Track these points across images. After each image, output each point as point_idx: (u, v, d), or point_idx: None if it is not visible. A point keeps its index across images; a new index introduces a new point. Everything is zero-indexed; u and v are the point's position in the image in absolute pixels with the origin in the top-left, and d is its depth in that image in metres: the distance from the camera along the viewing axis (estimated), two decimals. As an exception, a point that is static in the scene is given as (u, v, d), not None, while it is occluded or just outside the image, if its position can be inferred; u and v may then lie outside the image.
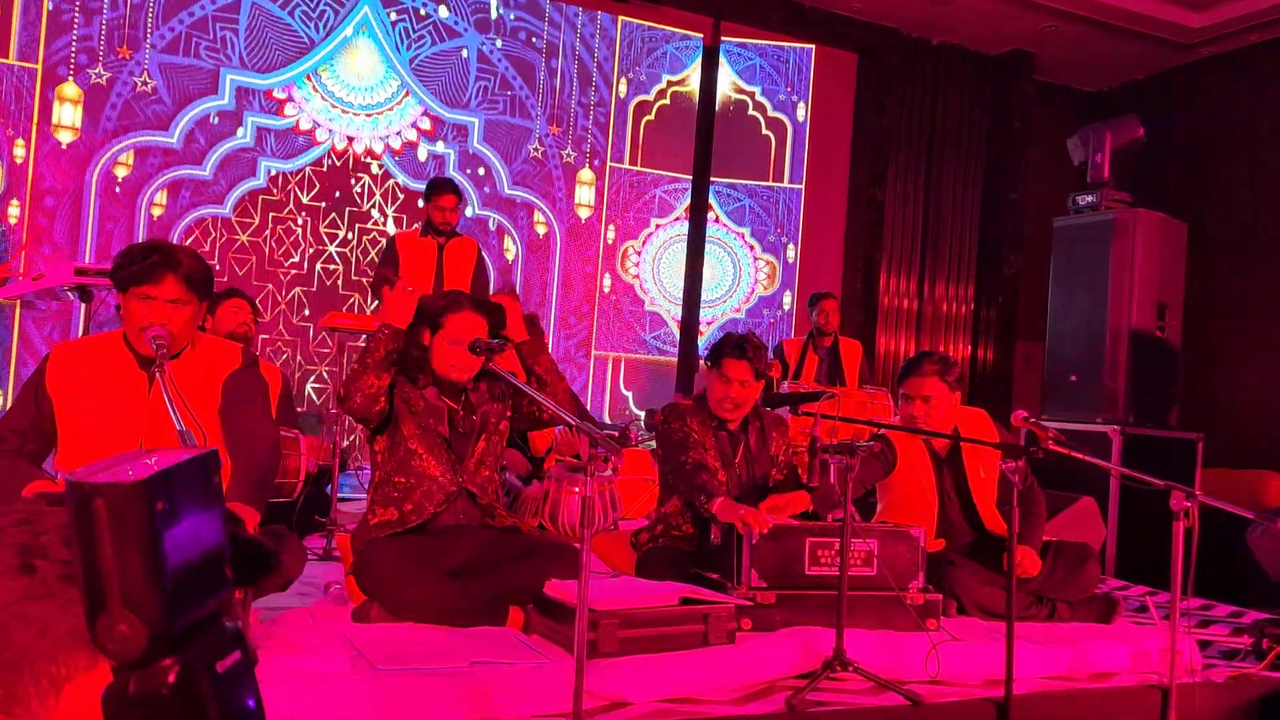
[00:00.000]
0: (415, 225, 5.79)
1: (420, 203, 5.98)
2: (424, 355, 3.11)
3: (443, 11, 6.48)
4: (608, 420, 6.97)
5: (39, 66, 5.85)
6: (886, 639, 2.92)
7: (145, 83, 6.09)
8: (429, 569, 2.90)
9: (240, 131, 6.32)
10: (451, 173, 6.80)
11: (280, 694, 2.16)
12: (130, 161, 6.07)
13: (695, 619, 2.74)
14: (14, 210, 5.79)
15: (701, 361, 3.63)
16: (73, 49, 5.93)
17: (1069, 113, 8.69)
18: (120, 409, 2.63)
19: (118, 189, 6.02)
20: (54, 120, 5.89)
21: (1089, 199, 6.06)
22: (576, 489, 4.26)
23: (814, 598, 3.00)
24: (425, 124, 6.81)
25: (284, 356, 6.35)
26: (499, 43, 7.01)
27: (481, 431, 3.13)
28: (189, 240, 6.15)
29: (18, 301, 5.72)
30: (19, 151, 5.81)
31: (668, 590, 2.81)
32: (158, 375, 2.28)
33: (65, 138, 5.92)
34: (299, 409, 5.00)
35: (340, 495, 4.72)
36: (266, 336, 6.32)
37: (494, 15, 6.98)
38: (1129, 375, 5.78)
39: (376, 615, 2.89)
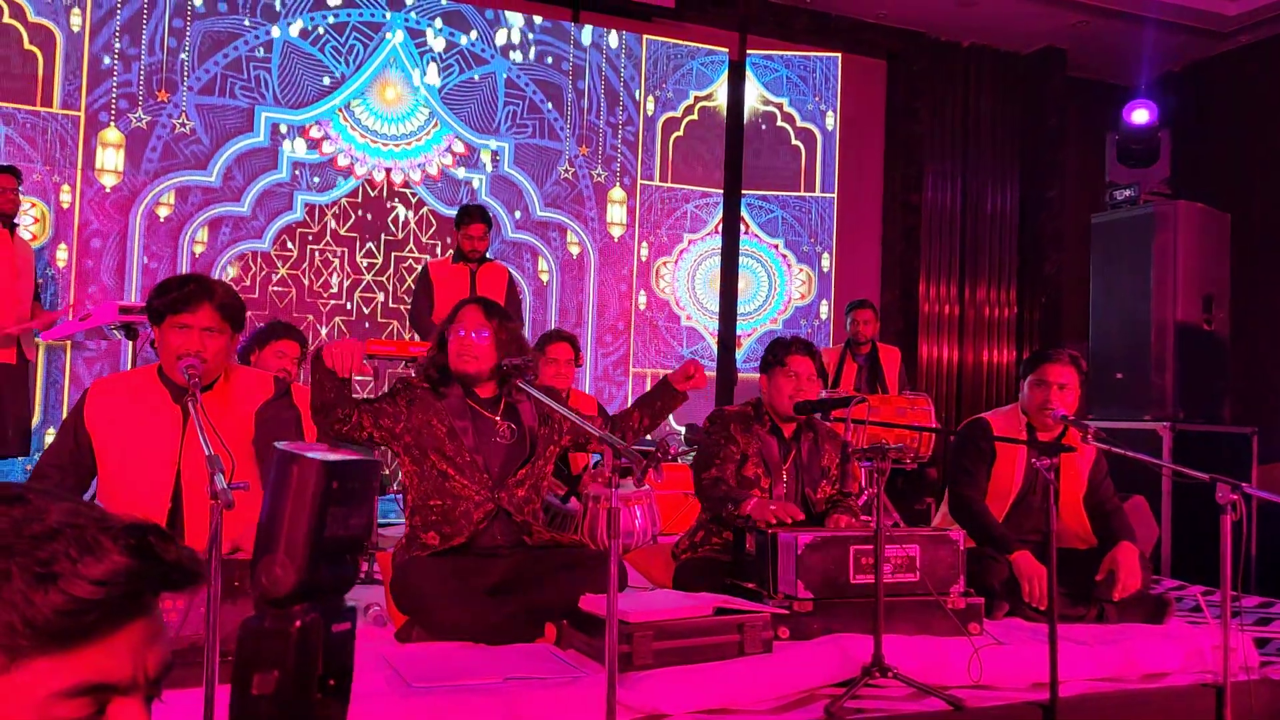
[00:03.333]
0: (448, 253, 5.86)
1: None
2: (444, 365, 3.13)
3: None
4: (647, 437, 6.96)
5: (81, 114, 6.03)
6: (928, 644, 2.87)
7: (183, 124, 6.25)
8: (465, 587, 2.92)
9: (276, 167, 6.46)
10: (483, 198, 6.87)
11: (316, 714, 2.19)
12: (171, 201, 6.22)
13: (730, 629, 2.71)
14: (62, 254, 5.96)
15: (759, 371, 3.63)
16: (113, 95, 6.10)
17: (1105, 108, 8.57)
18: (156, 441, 2.69)
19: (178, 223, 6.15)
20: (97, 165, 6.06)
21: (1127, 193, 5.96)
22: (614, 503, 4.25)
23: (853, 605, 2.97)
24: (456, 151, 6.89)
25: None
26: (525, 67, 7.08)
27: (529, 459, 3.13)
28: (230, 275, 6.28)
29: (68, 342, 5.87)
30: (65, 197, 5.98)
31: (702, 601, 2.80)
32: (190, 404, 2.33)
33: (109, 181, 6.09)
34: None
35: (381, 520, 4.76)
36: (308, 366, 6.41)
37: (511, 38, 7.06)
38: (1177, 370, 5.66)
39: (418, 636, 2.91)
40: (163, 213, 6.20)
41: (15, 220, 5.07)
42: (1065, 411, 3.52)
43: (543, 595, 2.96)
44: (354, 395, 3.03)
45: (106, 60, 6.10)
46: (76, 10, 6.04)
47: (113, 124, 6.10)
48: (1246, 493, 2.81)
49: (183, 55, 6.26)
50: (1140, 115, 6.13)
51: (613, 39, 7.31)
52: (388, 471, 5.24)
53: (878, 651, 2.63)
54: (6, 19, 5.92)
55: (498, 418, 3.17)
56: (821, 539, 3.02)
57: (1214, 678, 2.89)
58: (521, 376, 3.01)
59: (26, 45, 5.95)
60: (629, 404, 6.50)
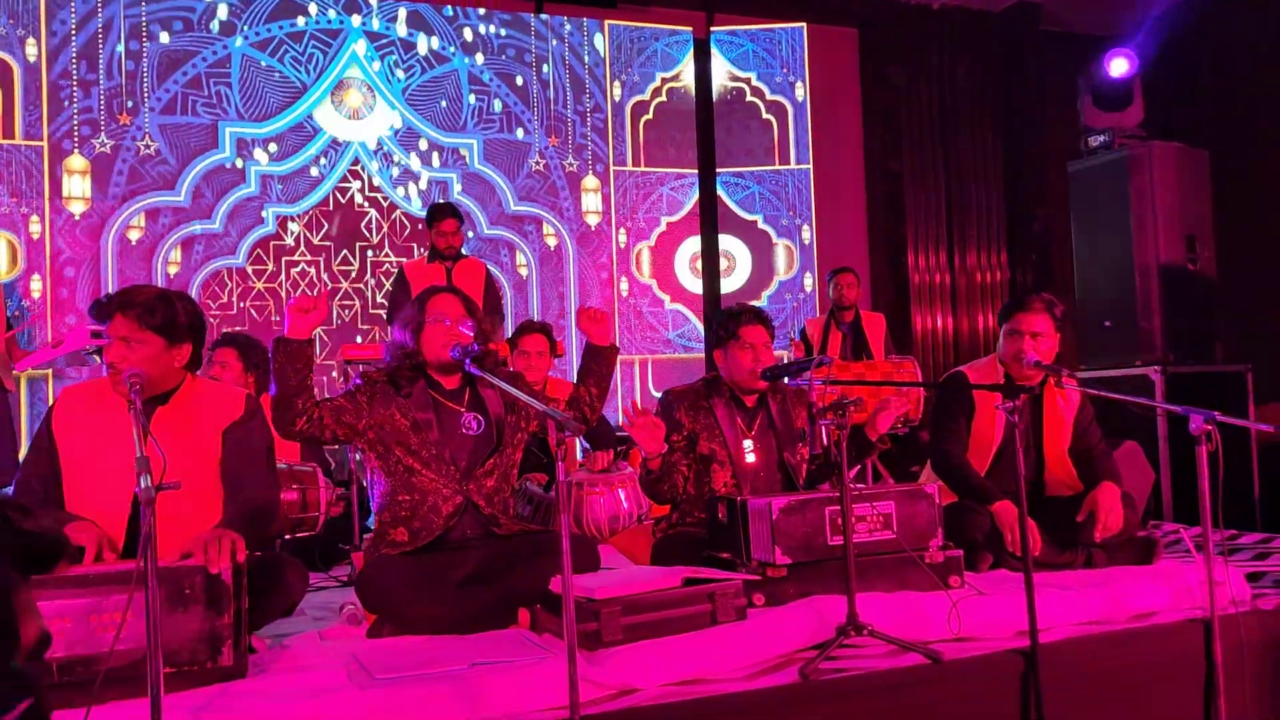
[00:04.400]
0: (422, 253, 5.82)
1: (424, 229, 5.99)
2: (417, 357, 3.08)
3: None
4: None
5: (44, 143, 6.01)
6: (907, 600, 2.82)
7: (148, 146, 6.23)
8: (433, 582, 2.87)
9: (244, 181, 6.44)
10: (456, 196, 6.83)
11: (274, 711, 2.15)
12: (142, 224, 6.20)
13: (701, 599, 2.66)
14: (36, 285, 5.95)
15: (714, 347, 3.57)
16: (75, 122, 6.09)
17: (1082, 60, 8.46)
18: (116, 448, 2.66)
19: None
20: (65, 193, 6.04)
21: (1100, 139, 5.89)
22: (598, 489, 4.22)
23: (829, 567, 2.91)
24: (423, 152, 6.86)
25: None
26: (488, 62, 7.05)
27: (496, 450, 3.09)
28: (206, 294, 6.25)
29: (49, 372, 5.86)
30: (35, 227, 5.96)
31: (671, 574, 2.75)
32: (130, 409, 2.29)
33: (77, 209, 6.07)
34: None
35: (366, 525, 4.72)
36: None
37: (471, 35, 7.04)
38: (1164, 313, 5.59)
39: (390, 633, 2.86)
40: (134, 236, 6.18)
41: None
42: (1039, 358, 3.46)
43: (515, 583, 2.91)
44: (315, 394, 2.99)
45: (65, 88, 6.08)
46: (31, 40, 6.02)
47: (77, 151, 6.08)
48: (1220, 421, 2.75)
49: (141, 78, 6.24)
50: (1119, 66, 6.05)
51: (574, 27, 7.26)
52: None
53: (851, 610, 2.58)
54: (-38, 55, 5.91)
55: (463, 409, 3.13)
56: (795, 502, 2.96)
57: (1203, 613, 2.83)
58: (475, 361, 2.96)
59: (-16, 79, 5.94)
60: (618, 392, 6.47)
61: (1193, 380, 5.51)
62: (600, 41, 7.32)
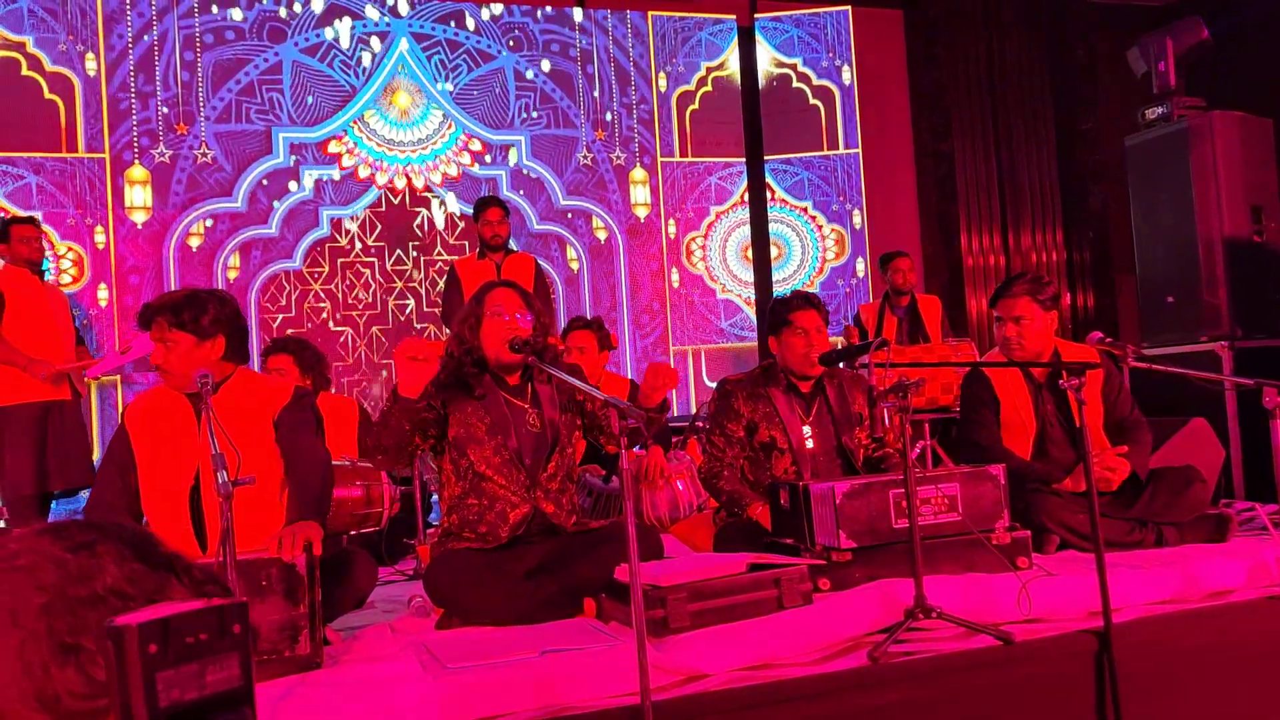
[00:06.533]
0: (473, 251, 5.87)
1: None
2: (477, 352, 3.09)
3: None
4: (694, 413, 6.92)
5: (106, 155, 6.17)
6: (975, 582, 2.79)
7: (204, 154, 6.36)
8: (499, 574, 2.90)
9: (298, 185, 6.55)
10: (505, 193, 6.88)
11: (352, 700, 2.19)
12: (201, 230, 6.34)
13: (767, 584, 2.66)
14: (103, 294, 6.10)
15: (770, 334, 3.57)
16: (134, 133, 6.23)
17: (1135, 31, 8.29)
18: (177, 442, 2.75)
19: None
20: (127, 203, 6.19)
21: (1159, 110, 5.74)
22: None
23: (894, 550, 2.89)
24: (472, 150, 6.92)
25: (371, 392, 6.52)
26: (532, 58, 7.09)
27: (554, 448, 3.10)
28: (265, 297, 6.38)
29: (118, 378, 6.01)
30: (99, 238, 6.13)
31: (735, 560, 2.75)
32: (197, 405, 2.36)
33: (139, 218, 6.22)
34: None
35: (429, 520, 4.79)
36: (352, 377, 6.52)
37: (515, 32, 7.08)
38: (1230, 287, 5.44)
39: (458, 624, 2.90)
40: (194, 243, 6.32)
41: (43, 267, 5.20)
42: (1029, 343, 3.47)
43: (580, 573, 2.93)
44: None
45: (124, 100, 6.23)
46: (91, 55, 6.18)
47: (137, 162, 6.23)
48: (1295, 393, 2.68)
49: (196, 87, 6.37)
50: (1203, 32, 5.89)
51: (617, 20, 7.27)
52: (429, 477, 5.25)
53: (919, 593, 2.55)
54: (25, 71, 6.07)
55: (527, 405, 3.13)
56: (859, 486, 2.95)
57: (1281, 590, 2.77)
58: (534, 354, 2.97)
59: (47, 95, 6.10)
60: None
61: (1262, 355, 5.37)
62: (644, 33, 7.32)
